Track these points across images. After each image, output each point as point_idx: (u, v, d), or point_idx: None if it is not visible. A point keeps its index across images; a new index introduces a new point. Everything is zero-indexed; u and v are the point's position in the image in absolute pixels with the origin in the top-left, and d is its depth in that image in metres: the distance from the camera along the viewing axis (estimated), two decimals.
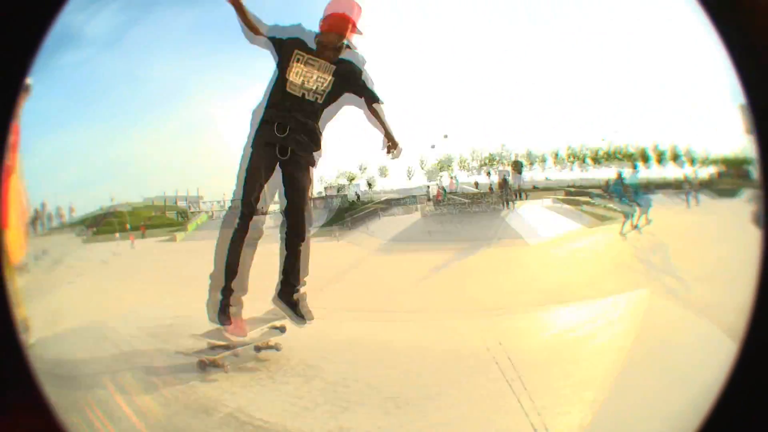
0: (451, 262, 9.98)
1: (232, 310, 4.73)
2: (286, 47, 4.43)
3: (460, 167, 17.62)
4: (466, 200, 14.32)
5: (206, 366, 4.44)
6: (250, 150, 4.50)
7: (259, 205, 4.66)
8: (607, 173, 13.44)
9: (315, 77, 4.37)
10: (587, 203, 12.63)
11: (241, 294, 4.80)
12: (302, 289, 5.01)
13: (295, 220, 4.75)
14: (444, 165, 18.07)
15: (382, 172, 24.07)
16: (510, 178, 14.01)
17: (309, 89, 4.39)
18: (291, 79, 4.37)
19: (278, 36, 4.47)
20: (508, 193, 13.58)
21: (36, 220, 23.45)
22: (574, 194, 13.55)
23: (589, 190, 13.31)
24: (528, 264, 9.69)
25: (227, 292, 4.71)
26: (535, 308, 6.56)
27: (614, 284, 7.54)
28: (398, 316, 6.91)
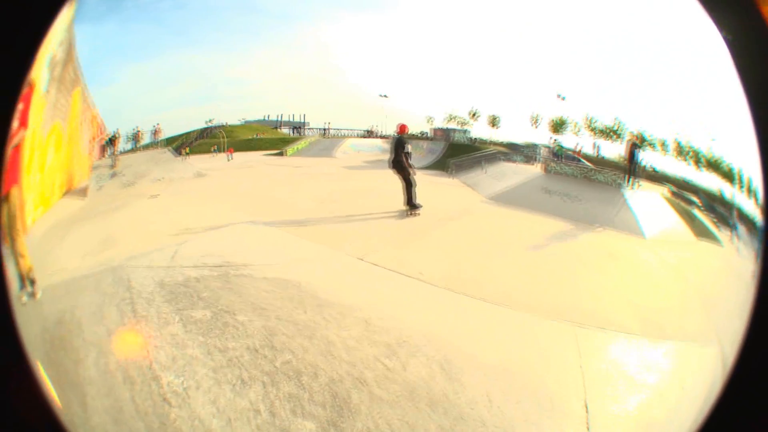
0: (558, 239, 8.84)
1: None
2: None
3: (573, 132, 16.79)
4: (591, 166, 13.50)
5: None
6: None
7: None
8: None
9: None
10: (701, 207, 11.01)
11: None
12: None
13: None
14: (558, 126, 17.25)
15: (494, 122, 23.90)
16: (638, 153, 12.69)
17: None
18: None
19: None
20: (635, 168, 12.51)
21: (115, 140, 24.26)
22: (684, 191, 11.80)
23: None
24: (634, 266, 8.56)
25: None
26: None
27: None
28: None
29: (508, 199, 12.09)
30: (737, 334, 1.62)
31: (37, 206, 11.51)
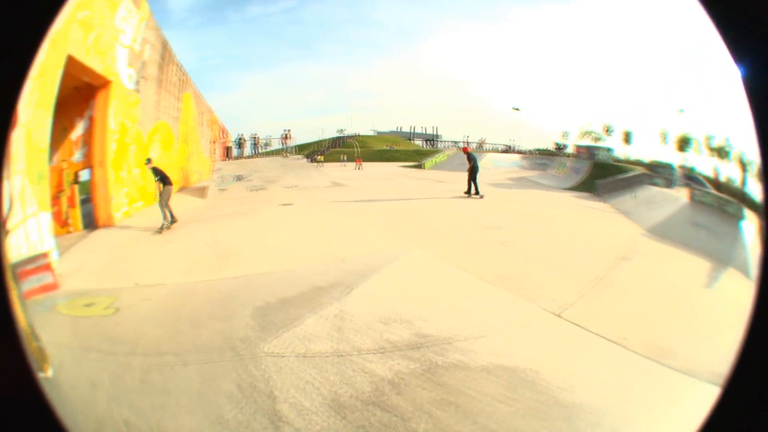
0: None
1: None
2: None
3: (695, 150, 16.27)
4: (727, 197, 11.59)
5: None
6: None
7: None
8: None
9: None
10: None
11: None
12: None
13: None
14: (684, 143, 17.02)
15: (627, 137, 22.89)
16: None
17: None
18: None
19: None
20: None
21: (242, 143, 25.75)
22: None
23: None
24: None
25: None
26: None
27: None
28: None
29: (666, 233, 10.41)
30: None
31: (134, 200, 12.05)
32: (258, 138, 27.84)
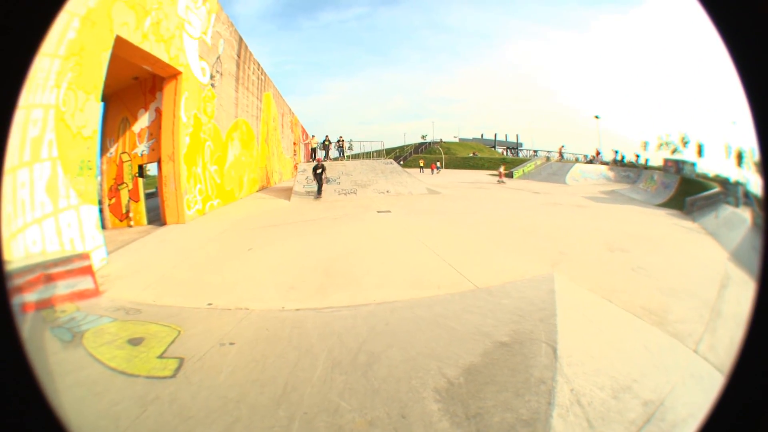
0: None
1: None
2: None
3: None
4: None
5: None
6: None
7: None
8: None
9: None
10: None
11: None
12: None
13: None
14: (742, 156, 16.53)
15: (700, 150, 22.29)
16: None
17: None
18: None
19: None
20: None
21: (328, 148, 26.04)
22: None
23: None
24: None
25: None
26: None
27: None
28: None
29: (743, 260, 9.07)
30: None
31: (209, 198, 11.62)
32: (343, 140, 27.61)
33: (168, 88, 9.81)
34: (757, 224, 10.82)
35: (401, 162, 30.96)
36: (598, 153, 34.62)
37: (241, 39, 15.45)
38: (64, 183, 5.66)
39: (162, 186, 9.75)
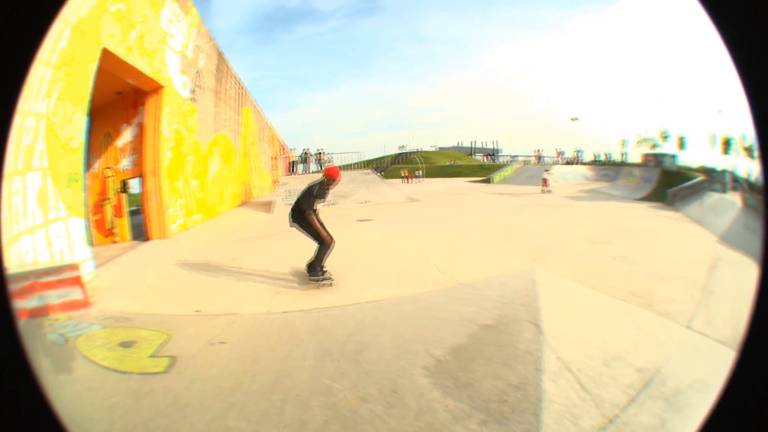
0: None
1: None
2: None
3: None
4: None
5: None
6: None
7: None
8: None
9: None
10: None
11: None
12: None
13: None
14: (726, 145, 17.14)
15: (681, 143, 23.13)
16: None
17: None
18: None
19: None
20: None
21: (307, 161, 25.82)
22: None
23: None
24: None
25: None
26: None
27: None
28: None
29: (736, 241, 9.93)
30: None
31: (191, 213, 11.53)
32: (323, 153, 27.72)
33: (150, 103, 9.84)
34: (749, 205, 11.44)
35: (381, 172, 31.23)
36: (577, 153, 35.23)
37: (220, 53, 15.58)
38: (54, 194, 5.67)
39: (145, 201, 9.72)
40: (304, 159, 28.61)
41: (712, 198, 14.83)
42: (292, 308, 4.79)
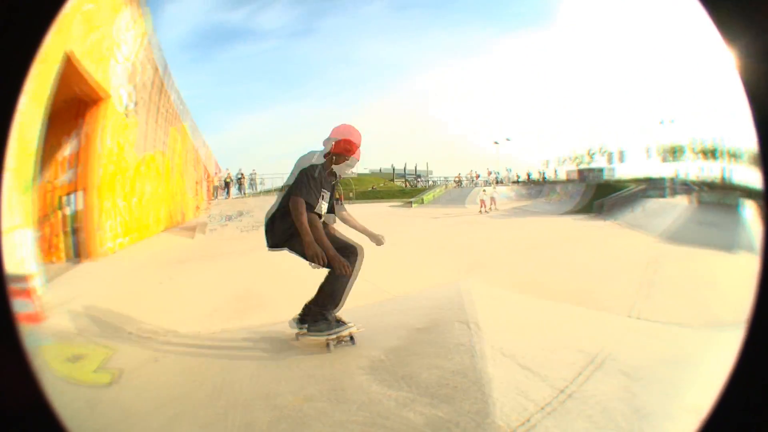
0: None
1: None
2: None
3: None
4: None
5: None
6: None
7: None
8: None
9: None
10: None
11: None
12: None
13: None
14: (675, 151, 18.76)
15: (621, 156, 25.08)
16: None
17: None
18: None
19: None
20: None
21: (229, 185, 24.59)
22: None
23: None
24: None
25: None
26: None
27: None
28: None
29: (682, 237, 10.92)
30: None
31: (118, 235, 10.72)
32: (244, 176, 26.84)
33: (92, 114, 9.32)
34: (705, 202, 12.77)
35: None
36: (508, 173, 36.26)
37: (157, 68, 15.05)
38: (16, 202, 5.30)
39: (81, 219, 9.13)
40: (227, 183, 27.38)
41: (652, 203, 15.81)
42: (227, 326, 4.96)
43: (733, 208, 11.69)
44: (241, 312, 5.55)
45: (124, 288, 6.95)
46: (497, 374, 2.96)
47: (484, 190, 26.91)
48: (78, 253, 9.01)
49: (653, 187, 18.29)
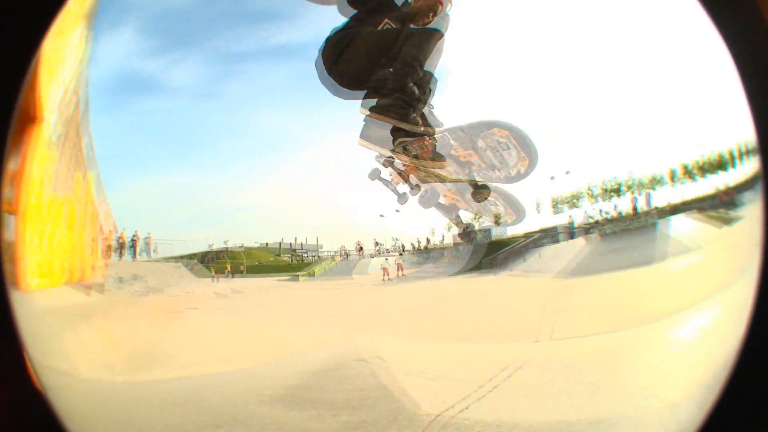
0: None
1: None
2: None
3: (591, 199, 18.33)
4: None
5: None
6: None
7: None
8: None
9: None
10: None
11: None
12: None
13: None
14: (573, 199, 18.81)
15: (497, 219, 25.79)
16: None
17: None
18: None
19: None
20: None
21: (123, 247, 22.62)
22: None
23: None
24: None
25: None
26: None
27: None
28: None
29: (580, 271, 11.90)
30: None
31: (37, 275, 9.46)
32: (138, 239, 25.21)
33: (30, 134, 8.59)
34: (606, 233, 14.04)
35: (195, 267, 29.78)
36: (395, 242, 37.04)
37: (79, 104, 14.10)
38: None
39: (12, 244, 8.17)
40: (120, 245, 25.42)
41: (546, 250, 17.32)
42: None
43: (646, 229, 13.02)
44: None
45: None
46: (407, 384, 3.35)
47: (387, 259, 27.01)
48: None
49: (547, 236, 19.31)
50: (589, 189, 17.76)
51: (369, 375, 3.73)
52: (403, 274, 23.39)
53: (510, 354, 4.84)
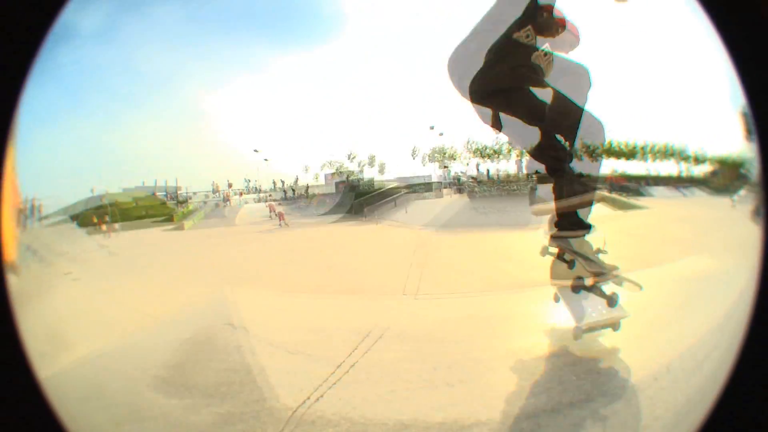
0: None
1: None
2: None
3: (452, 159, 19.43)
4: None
5: None
6: None
7: None
8: None
9: None
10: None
11: None
12: None
13: None
14: (439, 155, 19.54)
15: (372, 161, 25.12)
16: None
17: None
18: None
19: None
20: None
21: (20, 214, 19.92)
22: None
23: None
24: None
25: None
26: None
27: None
28: None
29: (444, 224, 12.85)
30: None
31: None
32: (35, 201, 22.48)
33: None
34: (476, 192, 16.12)
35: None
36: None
37: None
38: None
39: None
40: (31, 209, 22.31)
41: (418, 203, 17.67)
42: None
43: (511, 195, 14.24)
44: None
45: None
46: (268, 364, 3.43)
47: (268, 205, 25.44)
48: None
49: (424, 188, 19.35)
50: (468, 145, 18.11)
51: (234, 350, 3.71)
52: (286, 224, 21.65)
53: (376, 315, 4.93)
